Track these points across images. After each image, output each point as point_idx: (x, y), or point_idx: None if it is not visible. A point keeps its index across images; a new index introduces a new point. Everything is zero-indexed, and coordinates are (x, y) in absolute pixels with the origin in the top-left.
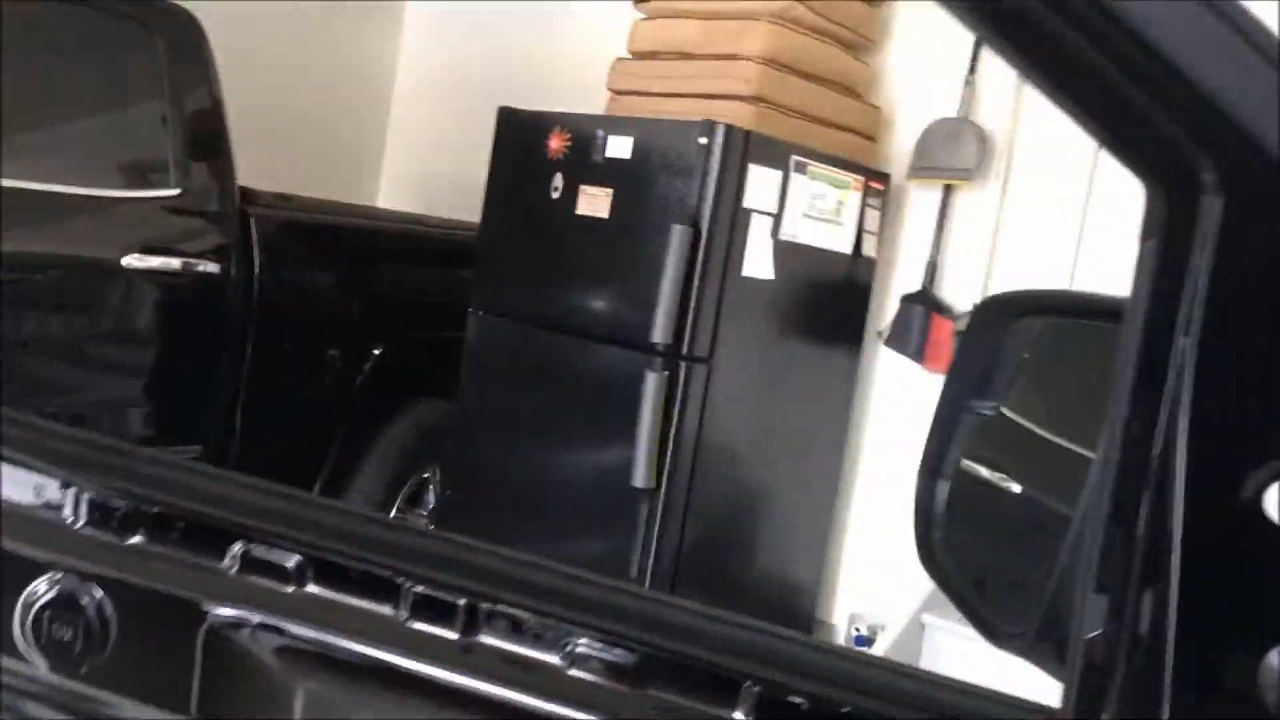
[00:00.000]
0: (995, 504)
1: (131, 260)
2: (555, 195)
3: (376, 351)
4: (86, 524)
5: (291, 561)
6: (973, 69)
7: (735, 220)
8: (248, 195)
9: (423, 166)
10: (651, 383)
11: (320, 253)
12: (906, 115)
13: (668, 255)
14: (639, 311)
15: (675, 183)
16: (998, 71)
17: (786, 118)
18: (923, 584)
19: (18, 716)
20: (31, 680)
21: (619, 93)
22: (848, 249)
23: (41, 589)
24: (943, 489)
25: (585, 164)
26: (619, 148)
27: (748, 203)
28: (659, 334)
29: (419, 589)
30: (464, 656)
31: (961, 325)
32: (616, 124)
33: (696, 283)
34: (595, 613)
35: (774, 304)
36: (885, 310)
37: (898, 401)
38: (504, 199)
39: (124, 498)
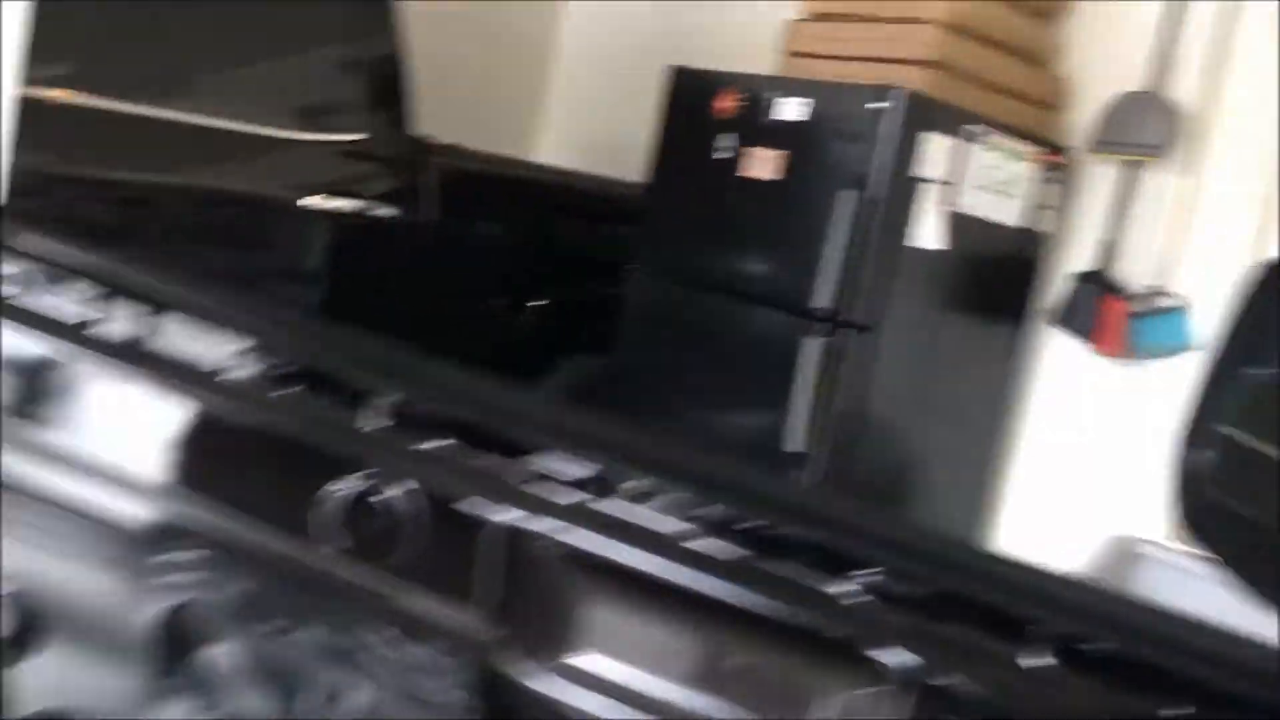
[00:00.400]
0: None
1: (315, 201)
2: (723, 156)
3: (538, 304)
4: (394, 426)
5: (584, 473)
6: (1167, 40)
7: (906, 188)
8: (424, 143)
9: (583, 124)
10: (811, 348)
11: (491, 203)
12: (1091, 86)
13: (834, 220)
14: (802, 276)
15: (847, 147)
16: (1194, 43)
17: (965, 85)
18: (1077, 565)
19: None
20: (333, 568)
21: (793, 54)
22: (1020, 223)
23: (351, 484)
24: (1208, 455)
25: (756, 125)
26: (792, 110)
27: (920, 171)
28: (821, 299)
29: (707, 510)
30: (748, 577)
31: (1136, 307)
32: (791, 85)
33: (862, 250)
34: (887, 548)
35: (940, 275)
36: (1055, 288)
37: (1063, 382)
38: (670, 158)
39: (425, 403)
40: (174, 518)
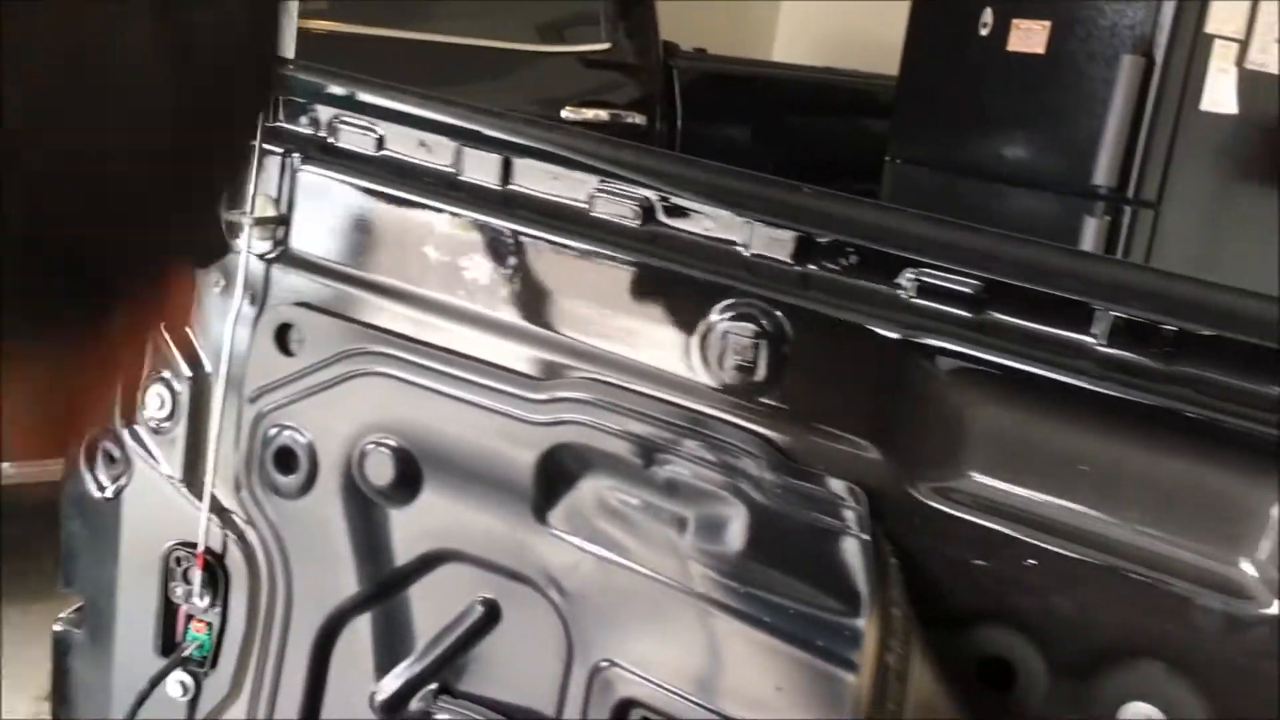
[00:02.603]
0: None
1: (567, 113)
2: (983, 32)
3: None
4: (761, 253)
5: (968, 288)
6: None
7: (1194, 48)
8: (668, 49)
9: (818, 21)
10: (1092, 229)
11: (737, 105)
12: None
13: (1115, 90)
14: (1078, 153)
15: (1126, 9)
16: None
17: None
18: None
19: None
20: (714, 400)
21: None
22: None
23: (719, 315)
24: None
25: None
26: None
27: (1210, 28)
28: (1101, 175)
29: (1117, 313)
30: (1164, 385)
31: None
32: None
33: (1147, 119)
34: None
35: (1235, 142)
36: None
37: None
38: (924, 41)
39: (796, 229)
40: (554, 358)
